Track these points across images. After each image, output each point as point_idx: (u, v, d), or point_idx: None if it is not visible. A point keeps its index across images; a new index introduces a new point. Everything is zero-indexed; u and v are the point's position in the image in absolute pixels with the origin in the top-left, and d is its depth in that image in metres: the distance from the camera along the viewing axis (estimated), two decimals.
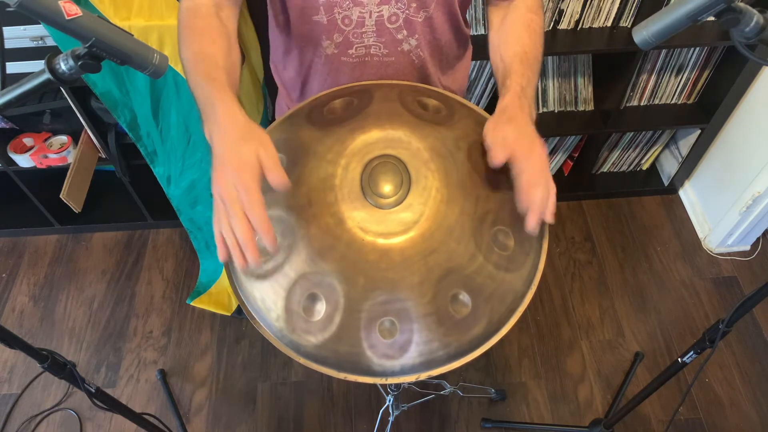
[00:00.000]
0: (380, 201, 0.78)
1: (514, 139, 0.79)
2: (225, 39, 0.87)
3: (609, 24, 1.75)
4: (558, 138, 2.12)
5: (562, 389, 1.83)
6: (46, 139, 1.83)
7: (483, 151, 0.85)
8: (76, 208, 1.81)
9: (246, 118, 0.76)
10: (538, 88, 1.94)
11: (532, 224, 0.76)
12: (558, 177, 2.30)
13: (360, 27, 0.97)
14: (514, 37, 0.94)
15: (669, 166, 2.25)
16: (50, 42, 1.49)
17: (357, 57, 1.01)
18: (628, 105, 2.03)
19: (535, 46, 0.93)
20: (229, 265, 0.83)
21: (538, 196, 0.77)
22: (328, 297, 0.76)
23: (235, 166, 0.70)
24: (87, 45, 0.67)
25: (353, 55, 1.01)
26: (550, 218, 0.78)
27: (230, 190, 0.69)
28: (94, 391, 1.20)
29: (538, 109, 1.99)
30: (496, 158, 0.78)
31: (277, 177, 0.71)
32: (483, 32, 1.74)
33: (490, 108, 0.86)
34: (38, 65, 0.74)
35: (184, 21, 0.87)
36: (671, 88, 1.99)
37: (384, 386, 1.69)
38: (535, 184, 0.77)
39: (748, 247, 2.13)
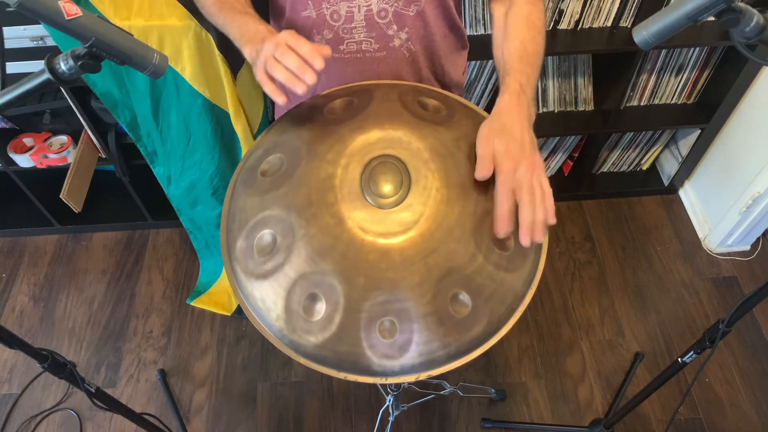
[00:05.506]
0: (380, 201, 0.78)
1: (503, 153, 0.78)
2: None
3: (609, 24, 1.75)
4: (558, 138, 2.12)
5: (562, 389, 1.83)
6: (46, 139, 1.83)
7: None
8: (76, 208, 1.81)
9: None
10: (538, 88, 1.94)
11: (524, 241, 0.76)
12: (558, 177, 2.30)
13: (349, 22, 0.97)
14: (514, 32, 0.93)
15: (669, 166, 2.25)
16: (50, 42, 1.49)
17: (349, 53, 1.01)
18: (628, 105, 2.03)
19: (534, 39, 0.92)
20: (228, 265, 0.83)
21: (523, 216, 0.75)
22: (328, 297, 0.76)
23: (275, 35, 0.82)
24: (87, 45, 0.67)
25: (345, 51, 1.01)
26: (552, 219, 0.77)
27: (274, 39, 0.80)
28: (94, 391, 1.20)
29: (538, 109, 1.99)
30: (481, 172, 0.78)
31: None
32: (483, 32, 1.74)
33: (490, 108, 0.86)
34: (38, 65, 0.74)
35: None
36: (671, 88, 1.99)
37: (384, 386, 1.69)
38: (520, 202, 0.76)
39: (748, 247, 2.13)
